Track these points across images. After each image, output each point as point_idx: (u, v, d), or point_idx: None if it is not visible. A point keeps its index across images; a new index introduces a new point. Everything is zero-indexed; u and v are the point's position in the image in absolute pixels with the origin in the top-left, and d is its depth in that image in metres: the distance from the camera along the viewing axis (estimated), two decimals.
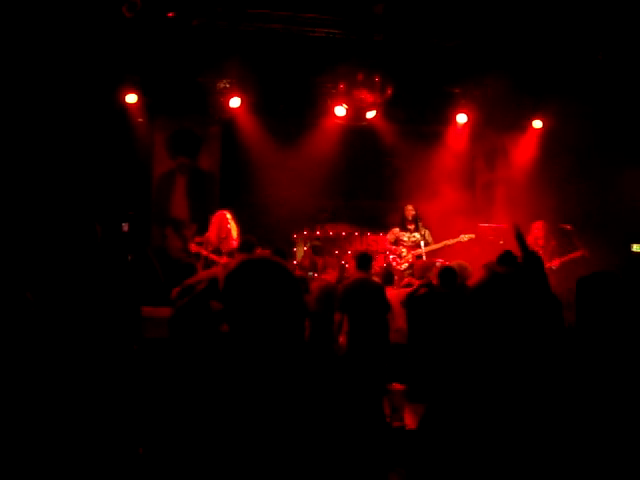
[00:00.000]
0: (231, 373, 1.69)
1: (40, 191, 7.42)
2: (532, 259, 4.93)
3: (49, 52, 7.13)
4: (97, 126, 8.24)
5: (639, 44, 7.58)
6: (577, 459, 1.74)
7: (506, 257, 5.15)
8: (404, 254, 8.17)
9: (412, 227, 8.25)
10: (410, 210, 8.24)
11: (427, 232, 8.23)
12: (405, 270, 8.13)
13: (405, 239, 8.24)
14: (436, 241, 8.20)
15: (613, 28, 7.51)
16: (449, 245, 8.08)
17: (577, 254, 7.64)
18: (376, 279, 6.55)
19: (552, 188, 8.90)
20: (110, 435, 3.48)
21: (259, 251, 6.06)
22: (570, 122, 8.71)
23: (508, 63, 8.10)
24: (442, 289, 5.64)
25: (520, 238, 5.70)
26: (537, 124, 9.48)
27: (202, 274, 6.13)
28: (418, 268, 7.38)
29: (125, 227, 8.16)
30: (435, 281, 5.93)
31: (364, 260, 5.95)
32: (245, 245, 6.04)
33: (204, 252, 6.75)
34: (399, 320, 5.99)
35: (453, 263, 6.09)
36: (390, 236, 8.39)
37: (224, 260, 6.44)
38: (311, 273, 7.64)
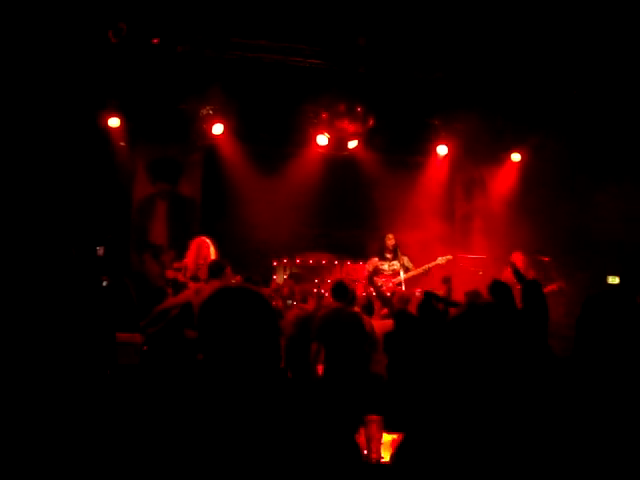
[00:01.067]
0: (205, 402, 1.67)
1: (15, 209, 7.32)
2: (532, 285, 5.08)
3: (33, 72, 7.12)
4: (78, 148, 8.19)
5: (611, 80, 7.82)
6: None
7: (496, 286, 5.24)
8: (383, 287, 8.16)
9: (390, 256, 8.27)
10: (390, 239, 8.26)
11: (406, 258, 8.24)
12: (392, 295, 8.10)
13: (385, 268, 8.25)
14: (415, 267, 8.23)
15: (587, 66, 7.74)
16: (428, 270, 8.10)
17: (554, 286, 7.70)
18: (357, 309, 6.51)
19: (529, 220, 9.03)
20: (79, 462, 3.39)
21: (232, 278, 5.98)
22: (548, 156, 8.88)
23: (488, 97, 8.27)
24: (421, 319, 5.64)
25: (516, 271, 6.04)
26: (515, 157, 9.65)
27: (174, 300, 6.02)
28: (398, 299, 7.37)
29: (100, 251, 8.05)
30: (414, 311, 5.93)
31: (340, 290, 5.93)
32: (215, 268, 5.91)
33: (181, 278, 6.66)
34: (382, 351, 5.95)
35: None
36: (369, 266, 8.39)
37: (197, 286, 6.32)
38: (290, 301, 7.60)
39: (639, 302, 4.94)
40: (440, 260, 8.07)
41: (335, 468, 1.71)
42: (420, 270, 8.13)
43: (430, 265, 8.06)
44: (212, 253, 6.80)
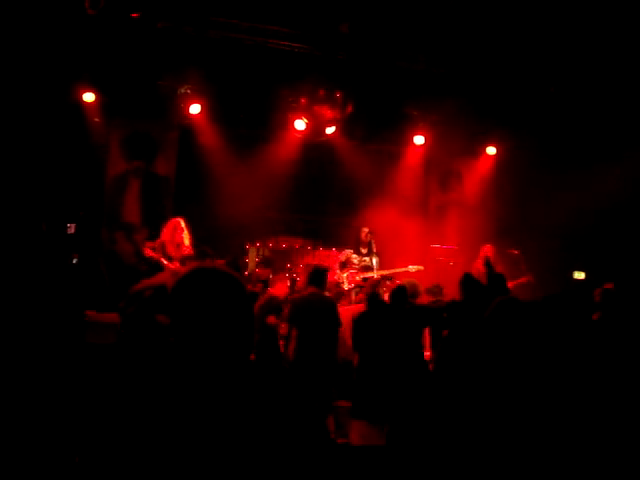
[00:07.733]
0: (176, 385, 1.66)
1: None
2: (498, 279, 5.22)
3: (4, 40, 6.91)
4: (51, 121, 8.00)
5: (587, 79, 7.95)
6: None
7: (466, 280, 5.32)
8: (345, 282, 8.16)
9: (365, 251, 8.28)
10: (366, 233, 8.25)
11: (376, 259, 8.18)
12: (352, 289, 8.12)
13: (356, 262, 8.25)
14: (384, 268, 8.20)
15: (565, 65, 7.86)
16: (397, 273, 8.12)
17: (523, 280, 7.83)
18: (328, 294, 6.54)
19: (503, 213, 9.15)
20: (45, 442, 3.36)
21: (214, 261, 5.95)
22: (522, 150, 9.00)
23: (466, 90, 8.32)
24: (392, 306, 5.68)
25: (488, 264, 6.14)
26: (491, 150, 9.75)
27: (149, 281, 5.97)
28: (368, 285, 7.42)
29: (71, 228, 7.90)
30: (386, 298, 5.98)
31: (318, 275, 5.91)
32: (200, 256, 5.89)
33: (160, 258, 6.56)
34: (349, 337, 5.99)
35: (405, 281, 6.14)
36: (342, 257, 8.41)
37: (174, 267, 6.28)
38: (260, 285, 7.60)
39: (596, 298, 5.13)
40: (411, 268, 8.09)
41: (304, 452, 1.73)
42: (388, 272, 8.13)
43: (400, 270, 8.08)
44: (186, 235, 6.72)
